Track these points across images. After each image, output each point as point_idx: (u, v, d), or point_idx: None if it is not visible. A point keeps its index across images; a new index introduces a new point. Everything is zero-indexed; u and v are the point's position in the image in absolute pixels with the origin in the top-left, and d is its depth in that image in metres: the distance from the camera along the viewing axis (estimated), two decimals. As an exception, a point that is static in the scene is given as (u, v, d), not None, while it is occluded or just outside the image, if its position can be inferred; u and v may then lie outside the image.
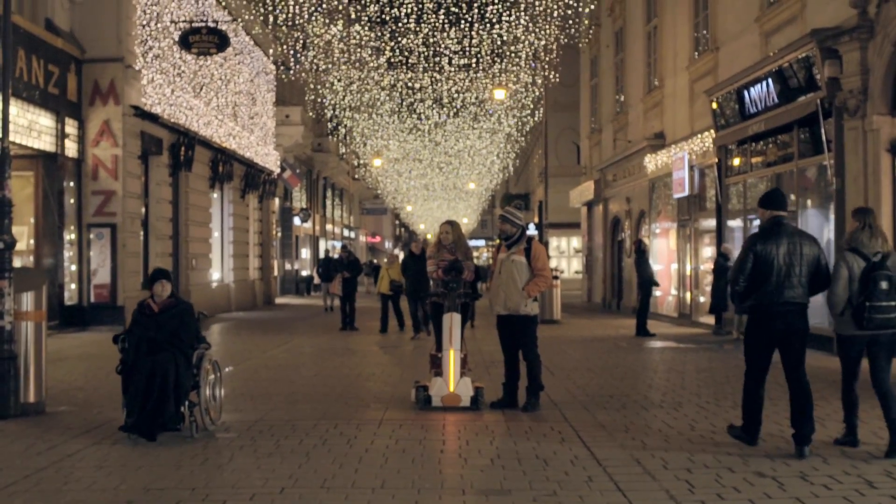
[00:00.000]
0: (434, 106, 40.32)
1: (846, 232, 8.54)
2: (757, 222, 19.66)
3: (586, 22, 31.16)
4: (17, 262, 11.35)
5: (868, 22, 14.99)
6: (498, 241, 10.97)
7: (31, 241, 20.11)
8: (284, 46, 31.78)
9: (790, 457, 7.70)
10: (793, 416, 8.00)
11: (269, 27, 29.17)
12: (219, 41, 22.54)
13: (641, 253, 20.68)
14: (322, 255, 42.41)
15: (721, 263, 19.11)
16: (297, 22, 27.66)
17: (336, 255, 28.71)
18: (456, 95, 37.56)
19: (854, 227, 8.14)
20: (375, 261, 55.10)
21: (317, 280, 36.35)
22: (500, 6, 28.43)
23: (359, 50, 31.60)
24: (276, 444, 8.27)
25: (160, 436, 8.41)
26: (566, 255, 49.06)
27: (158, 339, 8.75)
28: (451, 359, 10.12)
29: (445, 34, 30.20)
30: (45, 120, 19.39)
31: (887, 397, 7.90)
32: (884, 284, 7.68)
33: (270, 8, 25.80)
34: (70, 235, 20.69)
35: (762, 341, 8.12)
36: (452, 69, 33.57)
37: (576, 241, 45.59)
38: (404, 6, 27.92)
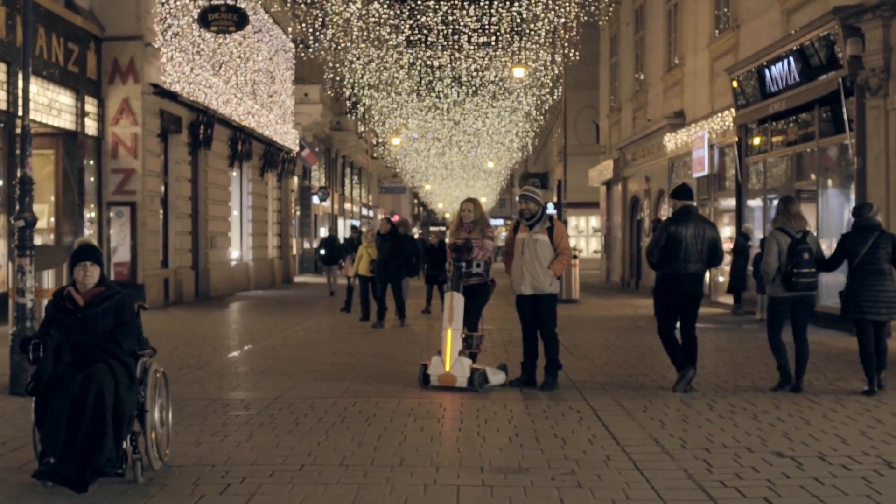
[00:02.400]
0: (453, 84, 40.24)
1: (773, 216, 10.56)
2: (776, 202, 19.69)
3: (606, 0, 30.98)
4: (37, 240, 11.41)
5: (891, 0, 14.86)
6: (516, 219, 10.75)
7: (52, 219, 20.19)
8: (303, 24, 31.70)
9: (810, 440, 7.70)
10: (684, 356, 10.12)
11: (288, 5, 29.17)
12: (238, 19, 22.50)
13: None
14: (325, 233, 38.34)
15: (741, 243, 19.04)
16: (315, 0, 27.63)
17: (347, 235, 27.98)
18: (475, 74, 37.46)
19: (779, 211, 10.29)
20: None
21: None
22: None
23: (378, 28, 31.51)
24: (295, 422, 8.31)
25: (95, 484, 6.14)
26: (585, 235, 48.98)
27: (87, 345, 6.45)
28: (449, 338, 10.10)
29: (465, 12, 30.10)
30: (65, 98, 19.44)
31: (802, 343, 10.12)
32: (806, 255, 9.82)
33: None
34: (90, 213, 20.77)
35: (671, 302, 10.23)
36: (472, 47, 33.45)
37: (594, 221, 45.47)
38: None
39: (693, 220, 10.19)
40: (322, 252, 27.03)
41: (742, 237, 19.25)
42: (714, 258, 10.25)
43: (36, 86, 17.71)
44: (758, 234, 19.40)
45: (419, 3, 29.44)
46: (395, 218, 29.38)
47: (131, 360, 6.51)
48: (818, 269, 10.05)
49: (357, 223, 39.56)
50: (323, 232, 45.68)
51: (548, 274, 10.13)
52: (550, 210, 48.27)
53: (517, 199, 10.73)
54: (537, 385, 10.20)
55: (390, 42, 33.48)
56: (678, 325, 10.32)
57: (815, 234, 10.71)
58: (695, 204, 10.54)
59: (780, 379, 10.07)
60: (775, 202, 20.16)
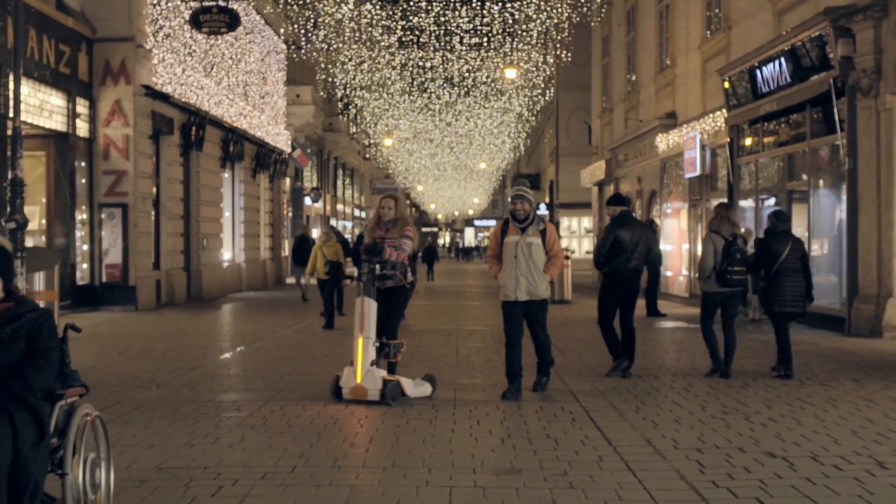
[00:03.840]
0: (445, 85, 40.26)
1: (711, 219, 11.55)
2: (769, 202, 19.77)
3: (598, 0, 31.01)
4: (29, 242, 11.40)
5: (882, 0, 14.89)
6: (503, 219, 10.11)
7: (43, 221, 20.14)
8: (295, 25, 31.67)
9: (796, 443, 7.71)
10: (624, 347, 11.20)
11: (280, 6, 29.10)
12: (229, 20, 22.49)
13: (653, 233, 20.62)
14: (298, 232, 33.72)
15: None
16: (307, 1, 27.61)
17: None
18: (467, 74, 37.49)
19: (714, 217, 11.38)
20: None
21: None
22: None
23: (370, 29, 31.52)
24: (287, 424, 8.30)
25: None
26: (577, 236, 49.00)
27: None
28: (360, 347, 9.33)
29: (457, 13, 30.11)
30: (57, 100, 19.40)
31: (731, 333, 11.13)
32: (738, 255, 10.90)
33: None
34: (82, 215, 20.73)
35: (613, 296, 11.32)
36: (464, 48, 33.49)
37: (587, 222, 45.52)
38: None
39: (632, 223, 11.45)
40: (293, 253, 25.55)
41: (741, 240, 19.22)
42: (649, 257, 11.58)
43: (27, 87, 17.66)
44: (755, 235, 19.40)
45: (411, 3, 29.43)
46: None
47: (42, 405, 4.81)
48: (747, 269, 11.21)
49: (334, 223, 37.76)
50: (315, 233, 45.51)
51: (544, 278, 9.70)
52: (542, 211, 48.41)
53: (510, 198, 10.14)
54: (521, 398, 9.52)
55: (382, 43, 33.48)
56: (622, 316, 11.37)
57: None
58: (630, 209, 11.59)
59: (712, 366, 11.12)
60: (767, 203, 20.26)
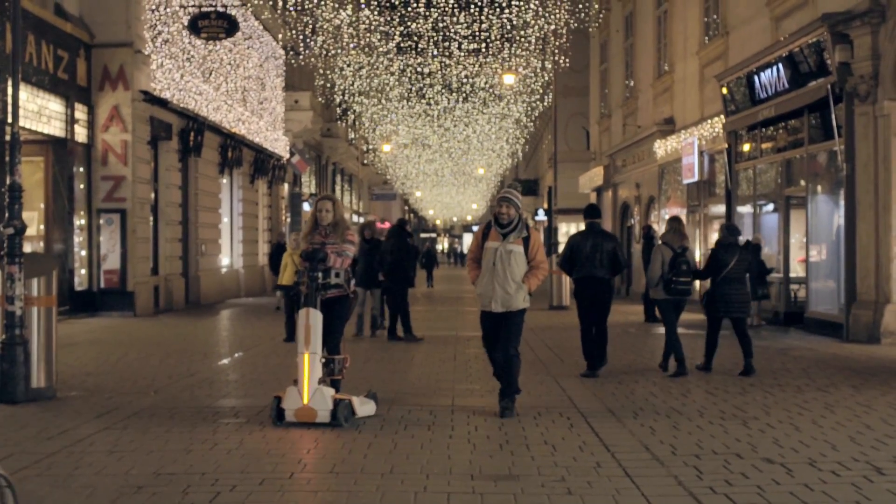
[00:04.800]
0: (443, 91, 40.27)
1: (664, 232, 12.53)
2: (767, 208, 19.78)
3: (596, 6, 31.06)
4: (27, 248, 11.39)
5: (879, 6, 14.92)
6: (486, 223, 9.44)
7: (42, 227, 20.13)
8: (293, 31, 31.70)
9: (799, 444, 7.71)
10: (596, 350, 11.74)
11: (279, 12, 29.12)
12: (228, 26, 22.50)
13: (650, 239, 20.63)
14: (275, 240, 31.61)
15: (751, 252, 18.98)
16: (306, 6, 27.62)
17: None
18: (465, 80, 37.51)
19: (667, 230, 12.37)
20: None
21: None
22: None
23: (368, 35, 31.53)
24: (285, 429, 8.29)
25: None
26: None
27: None
28: (306, 364, 8.47)
29: (455, 19, 30.14)
30: (55, 105, 19.40)
31: (675, 333, 11.96)
32: (684, 267, 11.80)
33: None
34: (80, 221, 20.72)
35: (583, 302, 11.97)
36: (462, 54, 33.50)
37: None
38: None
39: (593, 234, 12.04)
40: (269, 260, 24.66)
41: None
42: (615, 266, 11.92)
43: (25, 93, 17.66)
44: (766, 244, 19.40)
45: (410, 9, 29.47)
46: (386, 225, 28.99)
47: None
48: (694, 277, 12.20)
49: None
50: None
51: (522, 289, 9.04)
52: (540, 217, 48.41)
53: (496, 201, 9.36)
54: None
55: (381, 49, 33.49)
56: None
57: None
58: (599, 221, 12.39)
59: (677, 367, 11.74)
60: (766, 208, 20.28)
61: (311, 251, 8.88)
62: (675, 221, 12.47)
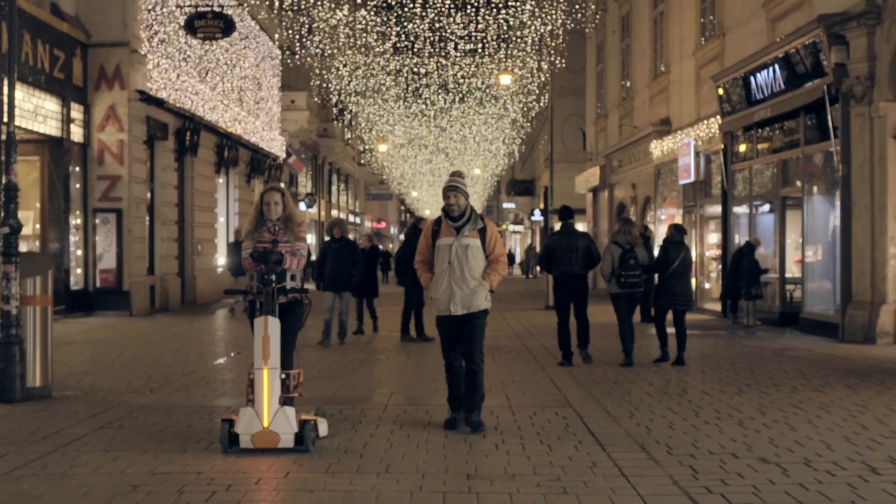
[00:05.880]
0: (440, 91, 40.26)
1: (615, 231, 13.57)
2: (763, 208, 19.80)
3: (592, 7, 31.06)
4: (23, 247, 11.38)
5: (875, 8, 14.94)
6: (434, 219, 8.68)
7: (37, 226, 20.13)
8: (290, 31, 31.69)
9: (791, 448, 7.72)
10: (579, 338, 13.08)
11: (275, 12, 29.12)
12: (224, 26, 22.50)
13: (646, 239, 20.62)
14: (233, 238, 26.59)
15: (746, 254, 18.98)
16: (302, 6, 27.62)
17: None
18: (462, 80, 37.50)
19: (617, 230, 13.41)
20: (381, 247, 54.80)
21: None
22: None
23: (364, 35, 31.52)
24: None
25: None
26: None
27: None
28: (265, 381, 7.39)
29: (451, 19, 30.13)
30: (51, 104, 19.38)
31: (627, 328, 12.96)
32: (631, 262, 12.82)
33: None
34: (76, 220, 20.71)
35: (561, 296, 12.96)
36: (458, 54, 33.49)
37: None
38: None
39: (567, 234, 13.04)
40: (228, 261, 23.78)
41: (748, 247, 19.19)
42: (588, 261, 12.87)
43: (21, 92, 17.64)
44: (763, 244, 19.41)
45: (406, 10, 29.45)
46: (383, 224, 29.01)
47: None
48: (645, 272, 13.31)
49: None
50: (310, 238, 45.33)
51: (483, 286, 8.26)
52: (537, 217, 48.44)
53: (443, 192, 8.44)
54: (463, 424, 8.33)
55: (377, 49, 33.49)
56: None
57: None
58: (572, 221, 13.34)
59: (624, 359, 12.76)
60: (762, 208, 20.29)
61: (265, 252, 7.68)
62: (624, 223, 13.50)
